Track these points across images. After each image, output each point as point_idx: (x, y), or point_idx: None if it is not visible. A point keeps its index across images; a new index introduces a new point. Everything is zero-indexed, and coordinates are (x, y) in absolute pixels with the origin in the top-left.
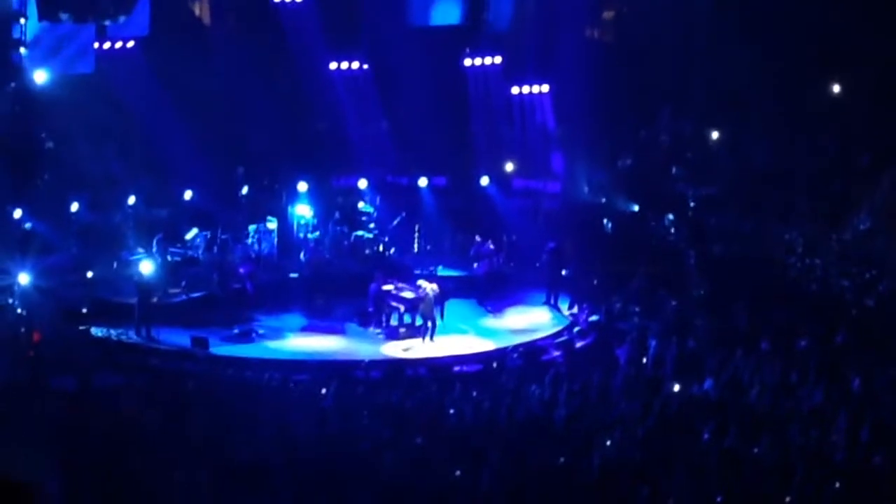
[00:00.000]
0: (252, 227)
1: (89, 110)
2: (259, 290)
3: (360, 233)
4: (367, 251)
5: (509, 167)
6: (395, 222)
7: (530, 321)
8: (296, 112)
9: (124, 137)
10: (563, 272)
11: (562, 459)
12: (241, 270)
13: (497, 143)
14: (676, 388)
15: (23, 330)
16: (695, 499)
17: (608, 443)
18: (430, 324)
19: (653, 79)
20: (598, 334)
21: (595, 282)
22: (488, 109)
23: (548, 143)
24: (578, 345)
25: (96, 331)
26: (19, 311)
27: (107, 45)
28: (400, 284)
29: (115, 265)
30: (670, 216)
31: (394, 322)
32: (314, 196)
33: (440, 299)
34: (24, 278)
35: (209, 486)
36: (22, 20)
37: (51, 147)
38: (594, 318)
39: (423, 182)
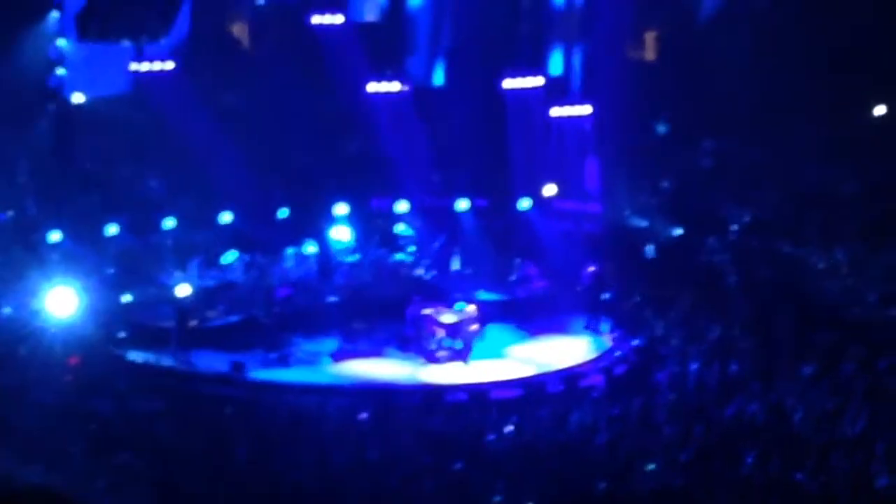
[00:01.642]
0: (290, 251)
1: (128, 131)
2: (297, 314)
3: (399, 256)
4: (406, 274)
5: (550, 189)
6: (435, 245)
7: (571, 346)
8: (335, 134)
9: (163, 159)
10: (605, 296)
11: (603, 485)
12: (279, 294)
13: (537, 165)
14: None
15: (60, 354)
16: None
17: (650, 469)
18: (468, 348)
19: (695, 100)
20: (640, 359)
21: (636, 306)
22: (528, 131)
23: (589, 165)
24: (619, 370)
25: (134, 355)
26: (56, 335)
27: (145, 66)
28: (439, 308)
29: (152, 289)
30: (712, 239)
31: (433, 346)
32: (353, 219)
33: (480, 323)
34: None
35: None
36: (60, 41)
37: (89, 168)
38: (635, 342)
39: (463, 205)
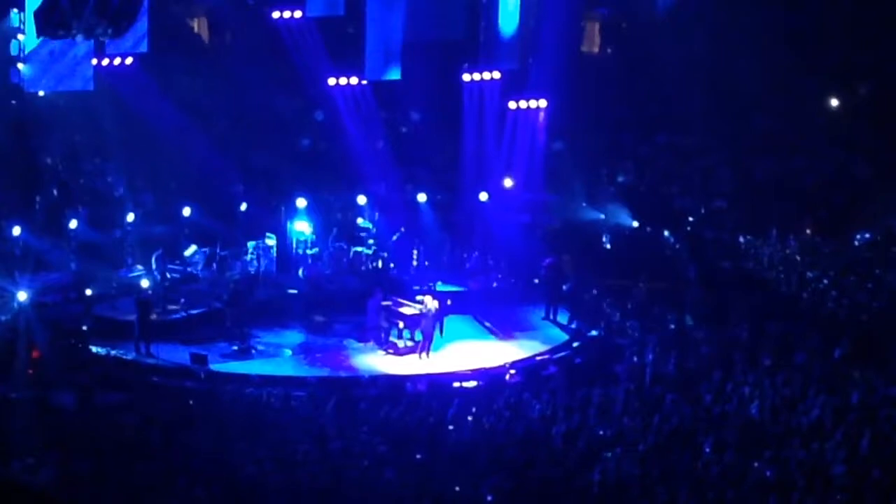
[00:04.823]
0: (251, 244)
1: (88, 127)
2: (258, 306)
3: (359, 248)
4: (366, 267)
5: (508, 182)
6: (394, 238)
7: (529, 337)
8: (295, 128)
9: (123, 154)
10: (563, 287)
11: (561, 475)
12: (240, 287)
13: (495, 159)
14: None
15: (22, 347)
16: None
17: (608, 457)
18: (427, 339)
19: (652, 94)
20: (598, 350)
21: (594, 297)
22: (487, 125)
23: (546, 158)
24: (577, 360)
25: (96, 348)
26: (18, 328)
27: (105, 62)
28: (399, 300)
29: (114, 282)
30: (668, 231)
31: (393, 338)
32: (313, 212)
33: (439, 315)
34: (23, 295)
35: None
36: (20, 37)
37: (50, 164)
38: (593, 333)
39: (422, 197)
